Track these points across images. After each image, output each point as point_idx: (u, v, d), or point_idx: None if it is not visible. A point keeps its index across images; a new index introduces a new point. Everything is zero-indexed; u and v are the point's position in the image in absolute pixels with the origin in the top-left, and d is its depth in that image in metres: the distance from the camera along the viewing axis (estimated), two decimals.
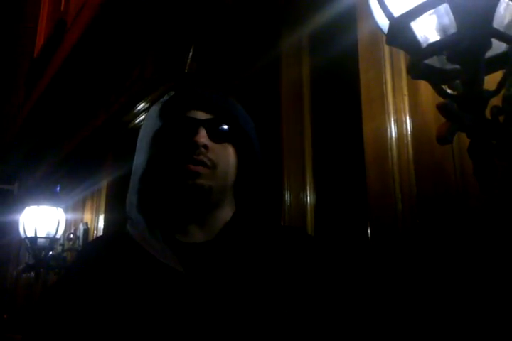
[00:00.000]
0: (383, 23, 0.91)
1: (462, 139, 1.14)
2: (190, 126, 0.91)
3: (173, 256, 0.85)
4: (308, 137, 1.79)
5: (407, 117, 1.28)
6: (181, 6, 2.46)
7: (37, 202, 3.05)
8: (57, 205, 3.09)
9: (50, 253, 3.03)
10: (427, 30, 0.85)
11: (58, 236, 3.03)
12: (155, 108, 0.97)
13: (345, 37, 1.59)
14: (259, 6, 1.99)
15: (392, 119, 1.31)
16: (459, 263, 1.08)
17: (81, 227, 3.10)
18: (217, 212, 0.94)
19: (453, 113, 0.78)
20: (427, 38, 0.85)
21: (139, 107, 2.94)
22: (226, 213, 0.95)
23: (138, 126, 3.00)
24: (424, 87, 1.25)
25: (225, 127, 0.94)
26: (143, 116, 2.95)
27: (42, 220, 2.95)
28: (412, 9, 0.82)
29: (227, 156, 0.93)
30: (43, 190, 3.27)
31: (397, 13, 0.86)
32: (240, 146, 0.96)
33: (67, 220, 3.15)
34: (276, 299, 0.83)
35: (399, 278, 1.20)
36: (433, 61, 0.89)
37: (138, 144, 0.97)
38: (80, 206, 3.35)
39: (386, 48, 1.38)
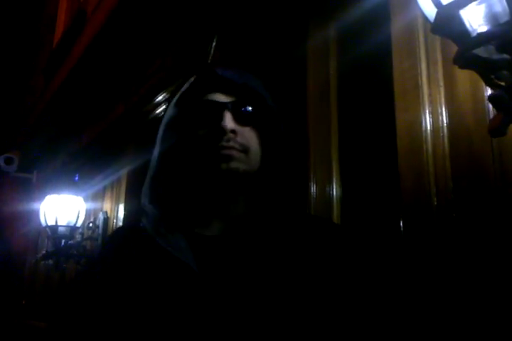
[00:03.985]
0: (429, 11, 0.88)
1: None
2: (214, 110, 0.87)
3: (188, 251, 0.82)
4: (334, 129, 1.76)
5: (443, 109, 1.25)
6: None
7: (57, 190, 3.06)
8: (77, 194, 3.09)
9: (70, 241, 3.04)
10: (477, 18, 0.82)
11: (78, 225, 3.04)
12: (175, 97, 0.94)
13: (377, 26, 1.55)
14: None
15: (427, 111, 1.28)
16: (498, 260, 1.05)
17: (101, 216, 3.11)
18: (242, 200, 0.91)
19: (505, 104, 0.75)
20: (476, 27, 0.83)
21: (159, 98, 2.93)
22: (249, 201, 0.92)
23: (158, 117, 2.99)
24: (462, 78, 1.22)
25: (250, 108, 0.90)
26: (163, 107, 2.94)
27: (63, 209, 2.96)
28: None
29: (255, 139, 0.90)
30: (62, 179, 3.28)
31: (445, 0, 0.83)
32: (265, 128, 0.92)
33: (86, 209, 3.16)
34: (296, 295, 0.79)
35: (433, 274, 1.18)
36: (479, 51, 0.86)
37: (158, 135, 0.94)
38: (99, 195, 3.36)
39: (421, 38, 1.35)
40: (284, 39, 2.04)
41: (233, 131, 0.85)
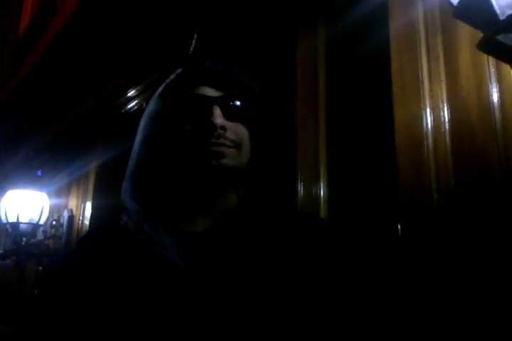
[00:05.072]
0: None
1: (507, 127, 1.08)
2: (203, 105, 0.84)
3: (173, 247, 0.78)
4: (322, 126, 1.71)
5: (445, 104, 1.21)
6: None
7: (19, 185, 2.89)
8: (41, 190, 2.94)
9: (32, 240, 2.88)
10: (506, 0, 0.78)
11: (42, 222, 2.88)
12: (159, 89, 0.89)
13: (374, 18, 1.51)
14: None
15: (428, 106, 1.24)
16: (501, 260, 1.01)
17: (65, 214, 2.96)
18: (228, 197, 0.88)
19: None
20: (506, 9, 0.78)
21: (133, 91, 2.81)
22: (234, 197, 0.89)
23: (131, 111, 2.88)
24: (465, 73, 1.18)
25: (240, 103, 0.87)
26: (137, 101, 2.83)
27: (25, 205, 2.79)
28: None
29: (245, 134, 0.87)
30: (25, 174, 3.12)
31: None
32: (254, 122, 0.89)
33: (50, 206, 3.00)
34: (282, 292, 0.76)
35: (432, 274, 1.13)
36: (507, 38, 0.82)
37: (139, 127, 0.89)
38: (64, 192, 3.21)
39: (422, 31, 1.31)
40: (270, 32, 1.97)
41: (223, 127, 0.82)
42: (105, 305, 0.75)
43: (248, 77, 0.90)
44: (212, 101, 0.84)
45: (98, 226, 1.05)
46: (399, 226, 1.24)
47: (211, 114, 0.82)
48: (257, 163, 0.89)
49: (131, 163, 0.86)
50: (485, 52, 0.82)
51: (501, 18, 0.78)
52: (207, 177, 0.83)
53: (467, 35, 1.18)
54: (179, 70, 0.89)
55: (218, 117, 0.82)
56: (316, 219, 1.00)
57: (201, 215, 0.85)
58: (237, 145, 0.84)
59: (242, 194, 0.90)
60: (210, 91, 0.85)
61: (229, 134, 0.83)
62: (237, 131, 0.85)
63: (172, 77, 0.89)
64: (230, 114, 0.84)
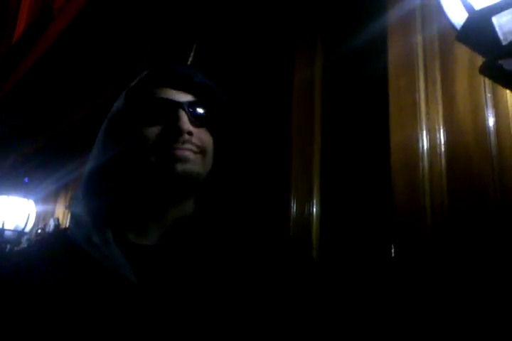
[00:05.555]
0: (457, 17, 0.84)
1: (502, 151, 1.09)
2: (170, 109, 0.80)
3: (125, 261, 0.73)
4: (317, 146, 1.71)
5: (441, 126, 1.23)
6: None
7: (5, 192, 2.86)
8: (27, 197, 2.90)
9: (15, 247, 2.83)
10: (510, 26, 0.79)
11: (27, 230, 2.83)
12: (125, 90, 0.85)
13: (372, 42, 1.53)
14: (271, 8, 1.92)
15: (424, 128, 1.25)
16: (497, 283, 1.01)
17: (51, 223, 2.92)
18: (184, 206, 0.83)
19: None
20: (508, 35, 0.79)
21: None
22: (190, 207, 0.84)
23: None
24: (462, 96, 1.20)
25: (206, 110, 0.84)
26: None
27: (11, 211, 2.75)
28: (500, 2, 0.76)
29: (210, 140, 0.84)
30: (11, 180, 3.08)
31: (478, 5, 0.79)
32: (220, 129, 0.86)
33: (37, 213, 2.96)
34: (238, 307, 0.71)
35: (426, 295, 1.13)
36: (506, 63, 0.83)
37: (100, 129, 0.85)
38: (51, 199, 3.17)
39: (420, 55, 1.33)
40: (269, 49, 1.99)
41: (190, 133, 0.80)
42: (53, 323, 0.67)
43: (213, 83, 0.87)
44: (179, 105, 0.81)
45: (42, 238, 0.99)
46: (393, 246, 1.24)
47: (178, 118, 0.79)
48: (219, 172, 0.86)
49: (88, 166, 0.82)
50: (485, 76, 0.83)
51: (504, 43, 0.79)
52: (169, 182, 0.78)
53: (465, 59, 1.20)
54: (146, 72, 0.85)
55: (185, 122, 0.79)
56: (279, 234, 0.93)
57: (155, 226, 0.81)
58: (202, 151, 0.81)
59: (198, 204, 0.85)
60: (177, 96, 0.82)
61: (195, 140, 0.80)
62: (202, 137, 0.82)
63: (140, 76, 0.85)
64: (196, 119, 0.82)
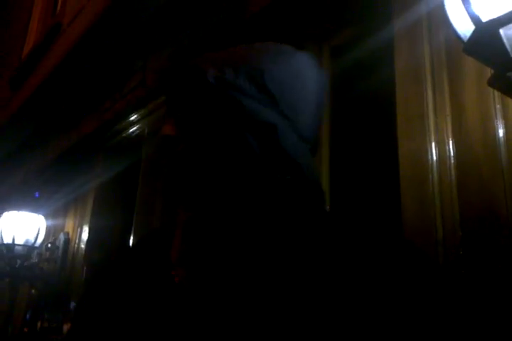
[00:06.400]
0: (463, 29, 0.83)
1: None
2: None
3: None
4: (326, 160, 1.69)
5: (450, 138, 1.21)
6: (192, 13, 2.39)
7: (16, 207, 2.86)
8: (37, 212, 2.90)
9: (25, 262, 2.83)
10: None
11: (37, 244, 2.83)
12: None
13: (378, 49, 1.52)
14: (281, 21, 1.91)
15: (433, 140, 1.23)
16: (507, 300, 0.99)
17: (61, 237, 2.92)
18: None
19: None
20: None
21: (135, 115, 2.81)
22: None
23: (133, 135, 2.87)
24: (471, 108, 1.18)
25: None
26: (139, 125, 2.82)
27: (21, 227, 2.76)
28: (508, 13, 0.75)
29: None
30: (22, 195, 3.09)
31: (485, 17, 0.78)
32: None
33: (47, 228, 2.96)
34: (289, 296, 0.65)
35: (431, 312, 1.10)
36: None
37: None
38: (61, 214, 3.17)
39: (428, 65, 1.31)
40: None
41: None
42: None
43: None
44: None
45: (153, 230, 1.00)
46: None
47: None
48: None
49: None
50: (494, 88, 0.81)
51: None
52: None
53: (473, 70, 1.18)
54: None
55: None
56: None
57: None
58: None
59: None
60: None
61: None
62: None
63: None
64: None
